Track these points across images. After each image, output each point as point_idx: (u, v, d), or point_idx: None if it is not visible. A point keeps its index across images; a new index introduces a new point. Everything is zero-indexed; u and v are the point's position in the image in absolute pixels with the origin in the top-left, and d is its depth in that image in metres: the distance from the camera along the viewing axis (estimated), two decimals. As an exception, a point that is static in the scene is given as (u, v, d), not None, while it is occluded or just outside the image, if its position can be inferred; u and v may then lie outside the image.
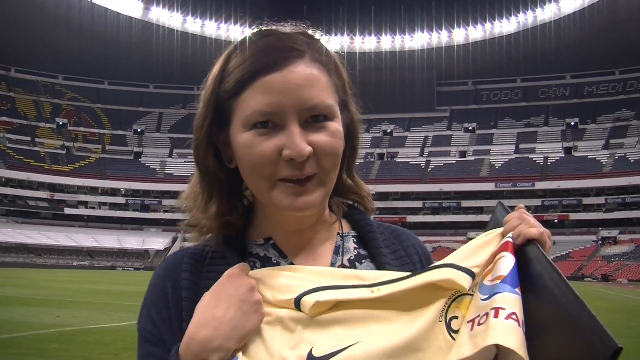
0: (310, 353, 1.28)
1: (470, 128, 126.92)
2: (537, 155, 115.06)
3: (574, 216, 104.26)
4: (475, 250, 1.40)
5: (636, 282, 76.92)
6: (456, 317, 1.33)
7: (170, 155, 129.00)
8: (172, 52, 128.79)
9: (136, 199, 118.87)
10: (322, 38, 1.56)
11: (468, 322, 1.29)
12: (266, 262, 1.52)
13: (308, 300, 1.32)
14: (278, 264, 1.51)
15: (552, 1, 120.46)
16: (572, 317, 1.19)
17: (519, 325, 1.21)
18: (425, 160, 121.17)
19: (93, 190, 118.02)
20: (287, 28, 1.52)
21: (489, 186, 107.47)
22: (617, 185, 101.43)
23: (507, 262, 1.31)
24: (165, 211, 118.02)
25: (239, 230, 1.57)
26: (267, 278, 1.41)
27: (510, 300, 1.24)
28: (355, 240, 1.60)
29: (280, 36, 1.47)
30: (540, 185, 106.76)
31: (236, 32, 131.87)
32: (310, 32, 1.54)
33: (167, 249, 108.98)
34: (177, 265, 1.54)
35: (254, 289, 1.37)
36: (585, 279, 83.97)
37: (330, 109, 1.42)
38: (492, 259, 1.36)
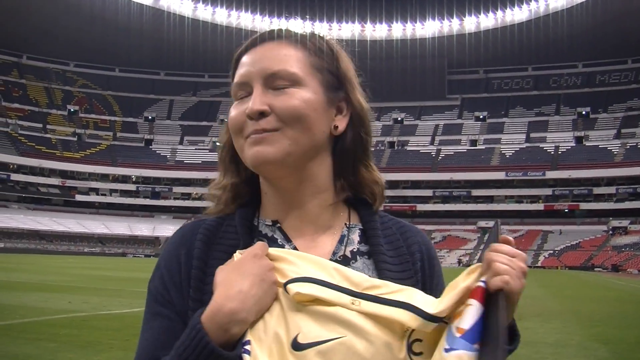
0: (295, 338, 1.34)
1: (481, 117, 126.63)
2: (548, 145, 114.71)
3: (584, 206, 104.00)
4: (449, 290, 1.39)
5: (647, 272, 76.83)
6: (420, 340, 1.36)
7: (181, 143, 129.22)
8: (183, 39, 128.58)
9: (147, 186, 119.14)
10: (329, 38, 1.67)
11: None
12: (272, 243, 1.57)
13: (291, 288, 1.38)
14: (283, 246, 1.57)
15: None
16: None
17: None
18: (435, 148, 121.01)
19: (104, 177, 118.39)
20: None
21: (500, 175, 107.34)
22: (628, 175, 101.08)
23: (471, 314, 1.29)
24: (175, 198, 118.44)
25: (250, 203, 1.66)
26: (276, 260, 1.46)
27: (465, 359, 1.24)
28: (360, 234, 1.64)
29: (272, 29, 1.63)
30: (551, 174, 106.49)
31: (247, 19, 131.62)
32: (317, 33, 1.66)
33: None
34: (192, 234, 1.62)
35: (272, 270, 1.44)
36: (595, 269, 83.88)
37: (292, 75, 1.52)
38: (465, 297, 1.35)
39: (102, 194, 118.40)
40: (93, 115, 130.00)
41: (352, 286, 1.40)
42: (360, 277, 1.43)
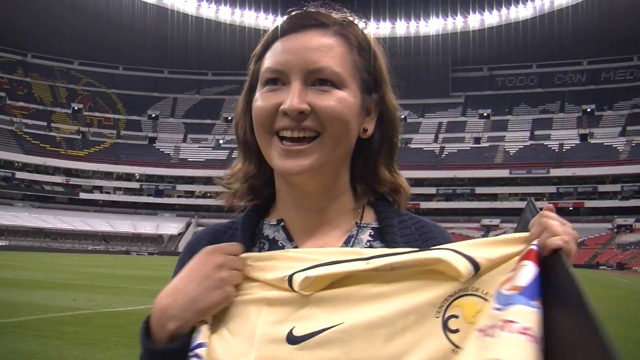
0: (290, 332, 1.28)
1: (485, 114, 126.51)
2: (553, 142, 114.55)
3: (589, 204, 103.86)
4: (487, 245, 1.31)
5: (652, 270, 76.73)
6: (456, 317, 1.25)
7: (184, 141, 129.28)
8: (186, 37, 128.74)
9: (150, 184, 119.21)
10: (362, 25, 1.59)
11: (479, 330, 1.20)
12: (273, 245, 1.54)
13: (298, 277, 1.31)
14: (283, 247, 1.53)
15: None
16: (583, 339, 1.06)
17: (533, 341, 1.11)
18: (439, 146, 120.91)
19: (108, 175, 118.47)
20: (333, 13, 1.56)
21: (504, 173, 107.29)
22: (633, 172, 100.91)
23: (527, 272, 1.20)
24: (179, 196, 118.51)
25: (265, 202, 1.62)
26: (264, 260, 1.40)
27: (525, 314, 1.14)
28: (372, 233, 1.55)
29: (311, 12, 1.53)
30: (556, 172, 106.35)
31: (250, 17, 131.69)
32: (350, 17, 1.58)
33: (181, 234, 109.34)
34: (199, 240, 1.59)
35: (221, 267, 1.38)
36: (600, 267, 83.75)
37: (337, 76, 1.44)
38: (513, 265, 1.26)
39: (106, 192, 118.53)
40: (97, 114, 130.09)
41: (357, 255, 1.34)
42: (369, 250, 1.37)
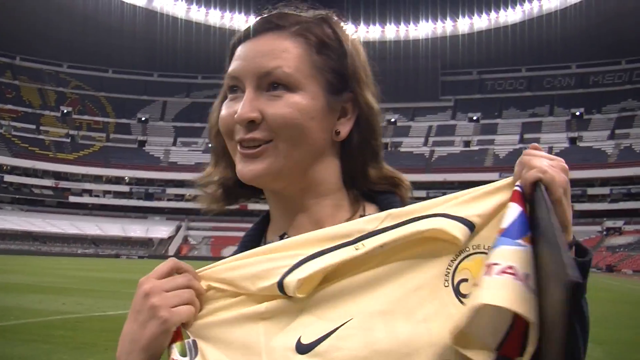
0: (298, 341, 1.20)
1: (474, 118, 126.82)
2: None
3: (578, 207, 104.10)
4: (476, 199, 1.27)
5: (640, 273, 77.00)
6: (466, 280, 1.21)
7: (174, 144, 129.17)
8: (176, 40, 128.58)
9: (140, 188, 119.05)
10: (343, 26, 1.54)
11: (473, 285, 1.16)
12: None
13: (290, 282, 1.21)
14: None
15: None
16: (552, 261, 1.02)
17: (518, 279, 1.07)
18: (429, 150, 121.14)
19: (97, 179, 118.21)
20: (307, 13, 1.50)
21: (493, 176, 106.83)
22: (622, 175, 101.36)
23: (509, 213, 1.17)
24: (169, 200, 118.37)
25: (262, 220, 1.60)
26: (243, 267, 1.30)
27: (506, 254, 1.11)
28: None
29: (271, 15, 1.48)
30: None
31: (240, 20, 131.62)
32: (322, 15, 1.51)
33: (170, 238, 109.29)
34: None
35: (147, 296, 1.28)
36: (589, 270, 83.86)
37: (289, 77, 1.39)
38: (499, 210, 1.24)
39: (96, 196, 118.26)
40: (86, 117, 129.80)
41: (344, 239, 1.26)
42: (348, 225, 1.30)
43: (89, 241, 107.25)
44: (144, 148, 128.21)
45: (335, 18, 1.54)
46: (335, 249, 1.24)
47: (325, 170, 1.48)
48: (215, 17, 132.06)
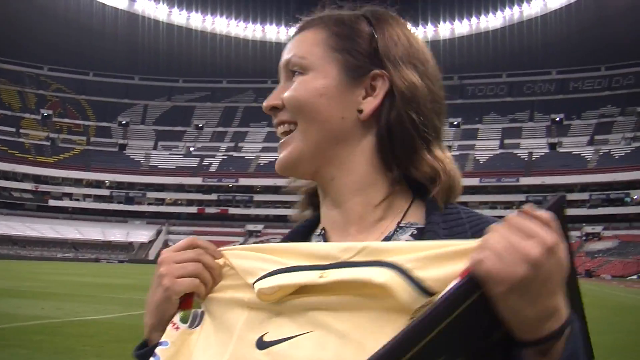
0: (260, 338, 1.24)
1: (455, 123, 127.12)
2: (522, 151, 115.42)
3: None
4: (444, 259, 1.11)
5: (619, 278, 77.43)
6: None
7: (155, 148, 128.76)
8: (157, 44, 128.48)
9: (121, 191, 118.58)
10: (381, 12, 1.49)
11: None
12: None
13: (256, 287, 1.25)
14: None
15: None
16: None
17: None
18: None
19: (77, 182, 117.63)
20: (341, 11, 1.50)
21: (474, 181, 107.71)
22: (601, 181, 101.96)
23: (442, 293, 1.03)
24: (149, 204, 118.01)
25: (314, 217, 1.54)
26: (246, 258, 1.34)
27: None
28: (414, 232, 1.38)
29: (315, 15, 1.51)
30: (525, 180, 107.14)
31: (222, 24, 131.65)
32: (360, 12, 1.48)
33: (151, 242, 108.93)
34: None
35: (159, 265, 1.37)
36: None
37: (301, 61, 1.41)
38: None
39: (76, 199, 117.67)
40: (67, 120, 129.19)
41: (320, 261, 1.23)
42: (327, 248, 1.26)
43: (69, 245, 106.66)
44: (124, 151, 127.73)
45: (379, 11, 1.50)
46: (305, 270, 1.22)
47: (353, 155, 1.42)
48: (197, 21, 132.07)
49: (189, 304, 1.34)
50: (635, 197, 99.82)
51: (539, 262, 0.98)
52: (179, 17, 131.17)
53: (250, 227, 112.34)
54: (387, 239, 1.36)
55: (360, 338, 1.14)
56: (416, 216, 1.40)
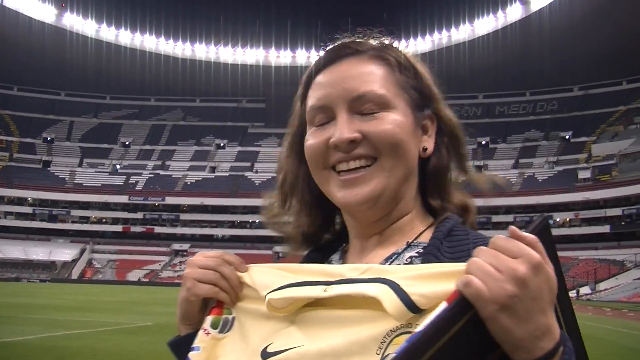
0: (265, 348, 1.29)
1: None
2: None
3: (483, 233, 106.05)
4: (429, 277, 1.16)
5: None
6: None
7: (80, 165, 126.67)
8: (85, 59, 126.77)
9: (44, 209, 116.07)
10: (398, 44, 1.56)
11: None
12: None
13: (267, 299, 1.32)
14: None
15: (467, 22, 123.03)
16: None
17: None
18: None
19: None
20: (369, 40, 1.53)
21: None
22: (525, 204, 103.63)
23: (431, 316, 1.03)
24: (73, 222, 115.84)
25: (321, 244, 1.60)
26: (266, 275, 1.41)
27: None
28: (420, 250, 1.43)
29: (345, 42, 1.50)
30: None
31: (151, 42, 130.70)
32: (386, 40, 1.55)
33: (74, 261, 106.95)
34: None
35: (188, 264, 1.45)
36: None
37: (382, 98, 1.40)
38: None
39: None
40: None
41: (328, 278, 1.29)
42: (338, 268, 1.32)
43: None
44: (48, 168, 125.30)
45: (398, 41, 1.57)
46: (313, 285, 1.28)
47: (408, 189, 1.49)
48: (125, 38, 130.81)
49: (219, 311, 1.41)
50: (557, 219, 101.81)
51: (527, 279, 0.99)
52: (108, 33, 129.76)
53: (177, 246, 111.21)
54: (396, 254, 1.43)
55: (333, 354, 1.19)
56: (426, 237, 1.46)
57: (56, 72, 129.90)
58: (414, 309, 1.12)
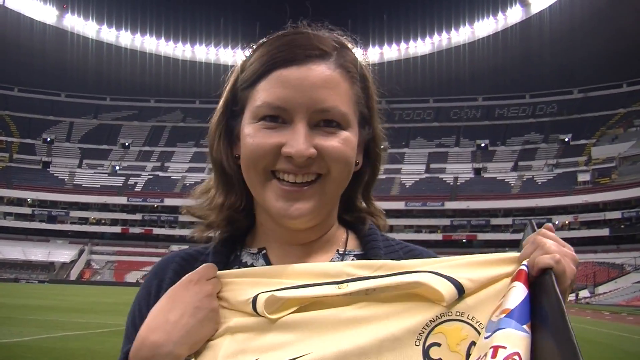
0: None
1: (382, 147, 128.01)
2: (447, 176, 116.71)
3: (482, 236, 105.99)
4: (473, 265, 1.24)
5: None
6: (438, 345, 1.16)
7: (79, 166, 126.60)
8: (85, 61, 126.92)
9: (43, 210, 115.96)
10: (356, 49, 1.52)
11: None
12: None
13: (262, 297, 1.24)
14: None
15: (467, 24, 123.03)
16: (559, 355, 1.01)
17: None
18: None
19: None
20: (323, 31, 1.48)
21: (399, 205, 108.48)
22: (524, 206, 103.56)
23: (516, 294, 1.13)
24: (72, 223, 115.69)
25: (242, 231, 1.55)
26: (236, 277, 1.34)
27: (514, 339, 1.06)
28: (354, 259, 1.47)
29: (309, 35, 1.43)
30: (450, 205, 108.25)
31: (151, 43, 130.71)
32: (344, 39, 1.51)
33: (73, 262, 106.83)
34: (167, 264, 1.53)
35: (211, 296, 1.32)
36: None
37: (344, 117, 1.39)
38: (504, 289, 1.19)
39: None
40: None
41: (332, 278, 1.26)
42: (338, 267, 1.30)
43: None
44: (48, 169, 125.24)
45: (350, 42, 1.53)
46: (319, 285, 1.24)
47: (338, 201, 1.51)
48: (126, 39, 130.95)
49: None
50: (556, 222, 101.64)
51: (577, 263, 1.24)
52: (109, 34, 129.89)
53: (175, 247, 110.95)
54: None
55: (365, 354, 1.16)
56: (352, 245, 1.52)
57: (56, 73, 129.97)
58: (462, 292, 1.19)
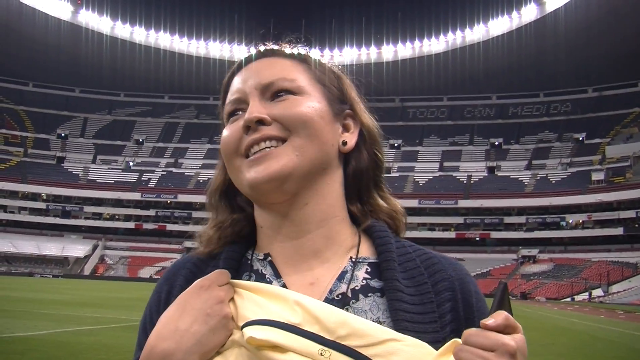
0: None
1: (396, 145, 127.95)
2: (461, 174, 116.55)
3: (495, 235, 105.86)
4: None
5: (554, 300, 78.55)
6: None
7: (93, 161, 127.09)
8: (100, 56, 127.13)
9: (57, 205, 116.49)
10: (319, 57, 1.54)
11: None
12: (261, 279, 1.40)
13: (245, 332, 1.21)
14: (271, 283, 1.38)
15: (481, 23, 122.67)
16: None
17: None
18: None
19: (13, 195, 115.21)
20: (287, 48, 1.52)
21: (413, 203, 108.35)
22: (538, 205, 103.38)
23: None
24: (86, 218, 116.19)
25: (243, 239, 1.50)
26: (244, 291, 1.31)
27: None
28: (369, 269, 1.40)
29: (264, 48, 1.49)
30: (463, 203, 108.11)
31: (165, 40, 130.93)
32: (304, 50, 1.53)
33: (87, 257, 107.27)
34: (178, 270, 1.48)
35: (223, 303, 1.28)
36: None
37: (292, 82, 1.39)
38: None
39: (11, 212, 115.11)
40: (4, 131, 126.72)
41: (323, 332, 1.19)
42: (334, 318, 1.21)
43: (2, 258, 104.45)
44: (62, 164, 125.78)
45: (311, 51, 1.55)
46: (306, 337, 1.19)
47: (330, 185, 1.43)
48: (140, 35, 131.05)
49: None
50: (570, 221, 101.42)
51: (516, 353, 1.12)
52: (123, 30, 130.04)
53: (188, 244, 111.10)
54: (344, 273, 1.38)
55: None
56: (366, 251, 1.43)
57: (71, 69, 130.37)
58: None
